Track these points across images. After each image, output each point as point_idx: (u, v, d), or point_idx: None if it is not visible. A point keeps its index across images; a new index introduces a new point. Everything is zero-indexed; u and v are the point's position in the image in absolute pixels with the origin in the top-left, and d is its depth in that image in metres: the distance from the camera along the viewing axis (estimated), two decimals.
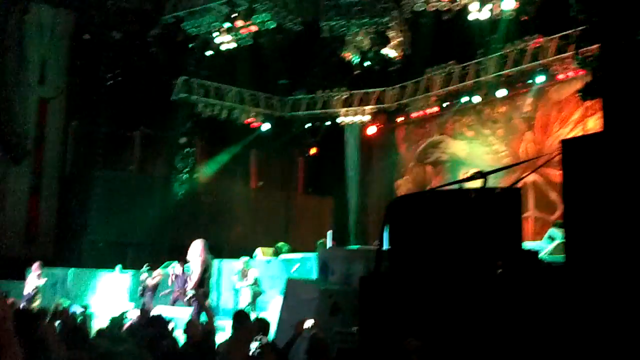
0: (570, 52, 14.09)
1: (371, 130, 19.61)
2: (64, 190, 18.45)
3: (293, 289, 8.19)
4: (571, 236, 4.34)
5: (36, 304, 11.41)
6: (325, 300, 7.33)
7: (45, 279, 13.35)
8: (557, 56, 14.78)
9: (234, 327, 5.27)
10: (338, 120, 19.59)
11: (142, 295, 13.34)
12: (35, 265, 13.24)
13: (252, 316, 9.95)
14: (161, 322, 5.71)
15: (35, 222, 17.88)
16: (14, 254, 15.92)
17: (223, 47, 17.52)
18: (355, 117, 19.37)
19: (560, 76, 14.96)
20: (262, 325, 6.66)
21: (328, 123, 19.86)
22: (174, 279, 12.48)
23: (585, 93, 11.41)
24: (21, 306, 11.45)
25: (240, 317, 5.43)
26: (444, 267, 4.52)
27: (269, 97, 19.97)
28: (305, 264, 12.75)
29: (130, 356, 3.90)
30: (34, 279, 13.11)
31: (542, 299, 4.26)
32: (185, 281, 10.33)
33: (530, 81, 15.70)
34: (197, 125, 19.08)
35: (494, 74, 16.08)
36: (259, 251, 15.35)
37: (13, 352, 1.86)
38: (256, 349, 4.43)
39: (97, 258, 16.50)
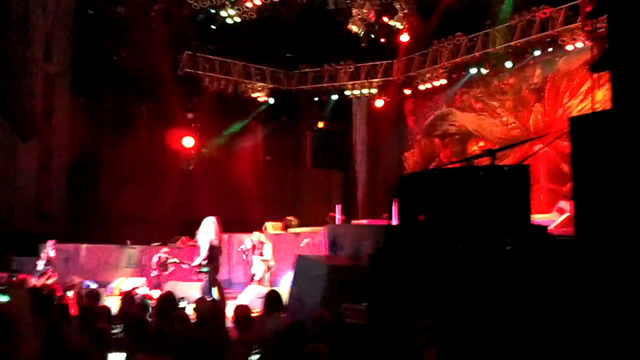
0: (579, 23, 13.94)
1: (379, 103, 19.51)
2: (74, 166, 18.56)
3: (303, 266, 8.25)
4: (580, 214, 4.36)
5: (51, 280, 11.56)
6: (335, 277, 7.41)
7: (55, 255, 13.39)
8: (566, 27, 14.62)
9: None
10: (345, 93, 19.51)
11: (156, 270, 13.51)
12: (51, 242, 13.31)
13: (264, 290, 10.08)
14: (169, 303, 5.75)
15: (47, 198, 18.02)
16: (26, 230, 16.06)
17: (228, 21, 17.43)
18: (363, 90, 19.29)
19: (569, 47, 14.81)
20: (275, 299, 6.71)
21: (335, 96, 19.78)
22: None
23: (593, 66, 11.28)
24: (33, 282, 11.64)
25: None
26: (452, 245, 4.56)
27: (275, 71, 19.88)
28: (314, 238, 12.86)
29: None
30: (47, 255, 13.21)
31: (551, 274, 4.30)
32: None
33: (538, 52, 15.57)
34: (204, 100, 19.05)
35: (502, 45, 15.94)
36: (268, 225, 15.45)
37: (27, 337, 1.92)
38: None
39: (109, 233, 16.67)
